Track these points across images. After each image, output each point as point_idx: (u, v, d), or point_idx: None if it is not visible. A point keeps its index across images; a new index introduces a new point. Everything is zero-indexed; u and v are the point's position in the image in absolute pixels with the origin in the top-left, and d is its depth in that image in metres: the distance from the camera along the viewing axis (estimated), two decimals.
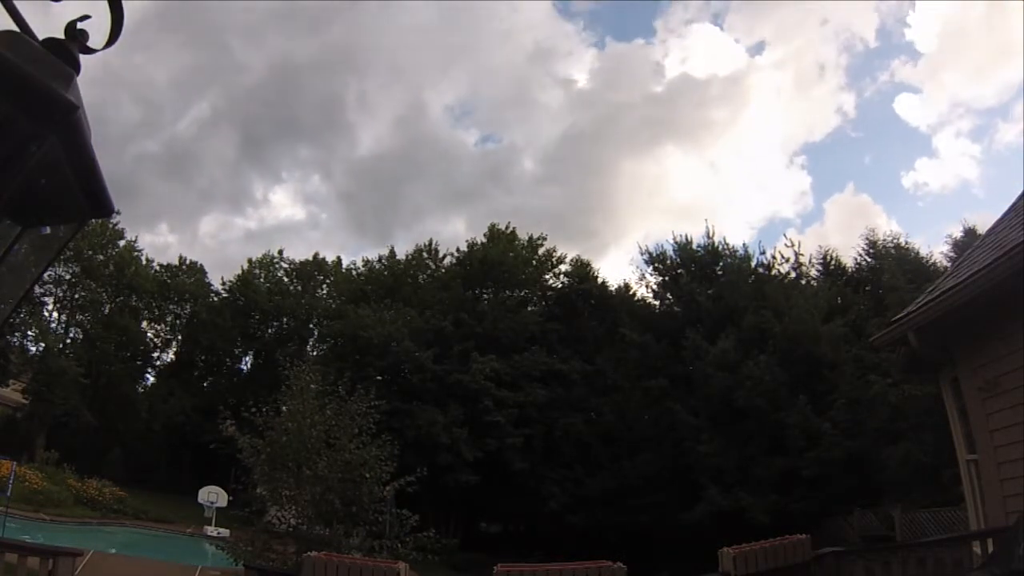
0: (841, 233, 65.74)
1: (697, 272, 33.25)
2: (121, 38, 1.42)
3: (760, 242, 62.31)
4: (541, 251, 38.90)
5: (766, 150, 61.20)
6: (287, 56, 58.93)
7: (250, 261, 43.93)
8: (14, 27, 1.33)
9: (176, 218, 64.77)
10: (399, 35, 61.47)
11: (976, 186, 54.44)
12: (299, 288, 43.91)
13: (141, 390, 40.96)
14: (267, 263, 44.32)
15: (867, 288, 31.91)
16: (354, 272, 43.33)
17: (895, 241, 33.22)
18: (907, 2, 60.54)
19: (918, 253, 31.97)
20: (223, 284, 43.28)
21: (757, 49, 60.36)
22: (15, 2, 1.34)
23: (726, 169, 61.19)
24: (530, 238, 38.81)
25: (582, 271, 38.26)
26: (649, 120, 58.27)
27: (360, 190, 61.62)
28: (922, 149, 63.80)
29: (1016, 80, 45.13)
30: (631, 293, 36.76)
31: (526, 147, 63.32)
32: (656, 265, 34.73)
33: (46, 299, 37.16)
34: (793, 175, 61.78)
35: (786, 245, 40.67)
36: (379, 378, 30.97)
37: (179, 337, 43.92)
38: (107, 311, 39.60)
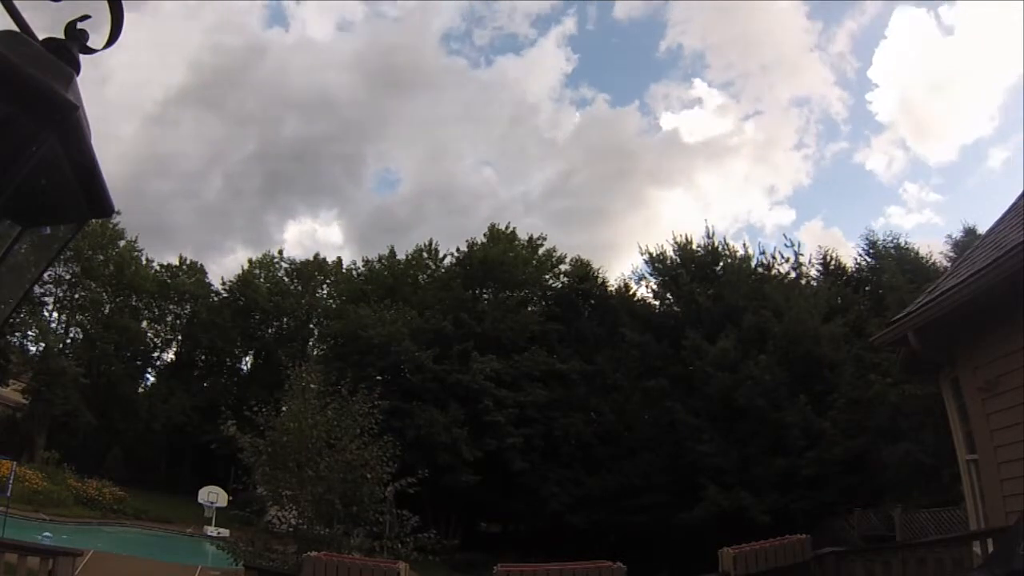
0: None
1: (697, 272, 33.23)
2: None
3: (759, 242, 65.46)
4: (541, 251, 38.92)
5: (748, 194, 65.23)
6: (310, 129, 64.67)
7: (250, 261, 44.09)
8: (14, 27, 1.33)
9: (200, 252, 68.86)
10: (417, 110, 66.58)
11: (942, 231, 57.02)
12: (299, 288, 43.93)
13: (141, 390, 40.95)
14: (267, 263, 44.35)
15: (867, 288, 31.93)
16: (354, 272, 43.34)
17: (895, 241, 33.28)
18: (868, 85, 74.43)
19: (918, 253, 32.03)
20: (223, 284, 43.38)
21: (743, 116, 66.55)
22: (15, 2, 1.34)
23: (711, 210, 65.94)
24: (530, 238, 38.86)
25: (582, 271, 38.25)
26: (641, 171, 63.76)
27: (371, 232, 65.05)
28: (890, 200, 68.75)
29: (969, 140, 55.40)
30: (631, 293, 36.78)
31: (529, 197, 66.94)
32: (656, 265, 34.73)
33: (46, 299, 37.19)
34: (773, 216, 66.62)
35: (786, 245, 40.76)
36: (379, 378, 30.93)
37: (179, 337, 43.93)
38: (107, 311, 39.60)
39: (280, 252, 45.27)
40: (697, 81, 67.08)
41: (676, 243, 34.39)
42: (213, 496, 24.96)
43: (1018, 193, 9.50)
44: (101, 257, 38.25)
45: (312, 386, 15.58)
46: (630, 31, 61.45)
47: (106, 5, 1.43)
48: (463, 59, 68.74)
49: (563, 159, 65.05)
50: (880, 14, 61.75)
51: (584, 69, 65.48)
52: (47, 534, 15.68)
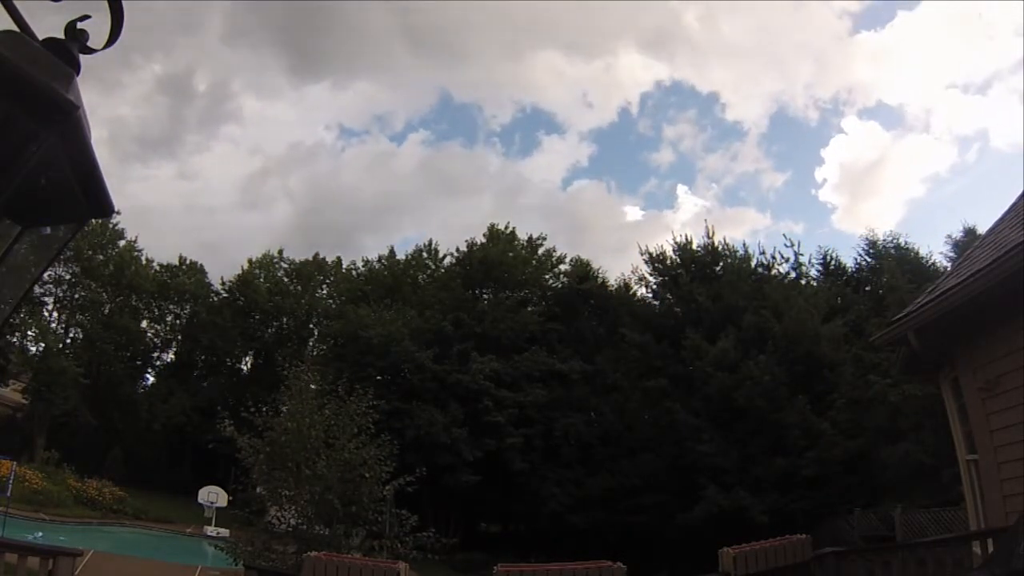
0: None
1: (697, 272, 33.22)
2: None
3: (759, 243, 69.14)
4: (541, 251, 38.89)
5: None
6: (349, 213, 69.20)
7: (250, 261, 43.87)
8: (14, 27, 1.33)
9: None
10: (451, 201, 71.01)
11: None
12: (299, 288, 43.84)
13: (141, 390, 40.89)
14: (267, 263, 44.25)
15: (867, 288, 31.95)
16: (354, 272, 43.32)
17: (895, 241, 33.30)
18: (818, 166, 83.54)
19: (918, 253, 32.05)
20: (223, 284, 43.25)
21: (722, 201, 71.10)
22: (15, 2, 1.34)
23: None
24: (530, 238, 38.83)
25: (582, 271, 38.24)
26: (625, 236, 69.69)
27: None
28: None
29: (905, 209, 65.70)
30: (631, 293, 36.74)
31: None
32: (656, 265, 34.72)
33: (46, 299, 37.17)
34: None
35: (786, 245, 40.75)
36: (379, 378, 30.96)
37: (179, 337, 43.87)
38: (107, 311, 39.56)
39: (280, 252, 45.24)
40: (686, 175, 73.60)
41: (676, 243, 34.43)
42: (213, 496, 24.97)
43: (1018, 194, 9.51)
44: (101, 257, 38.20)
45: (312, 386, 15.60)
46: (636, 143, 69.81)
47: (106, 5, 1.43)
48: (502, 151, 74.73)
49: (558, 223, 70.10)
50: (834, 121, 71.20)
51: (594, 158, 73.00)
52: (39, 534, 15.63)
